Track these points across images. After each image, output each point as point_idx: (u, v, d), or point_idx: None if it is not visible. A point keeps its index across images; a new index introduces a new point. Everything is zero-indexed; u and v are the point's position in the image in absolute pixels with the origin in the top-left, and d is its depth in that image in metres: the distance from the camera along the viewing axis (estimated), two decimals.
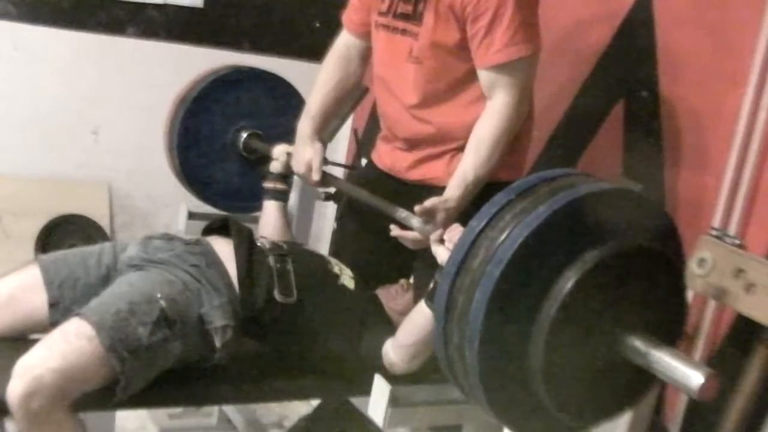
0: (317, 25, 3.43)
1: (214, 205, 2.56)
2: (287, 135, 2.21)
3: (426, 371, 1.84)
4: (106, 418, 1.93)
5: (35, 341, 1.56)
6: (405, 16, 1.92)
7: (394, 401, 1.53)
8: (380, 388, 1.54)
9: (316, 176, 2.08)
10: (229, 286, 1.76)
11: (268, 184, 2.21)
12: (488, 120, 1.85)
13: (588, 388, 1.22)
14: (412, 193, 1.92)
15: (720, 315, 1.91)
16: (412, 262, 2.07)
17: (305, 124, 2.13)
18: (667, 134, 2.14)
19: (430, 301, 1.63)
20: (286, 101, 2.47)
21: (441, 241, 1.64)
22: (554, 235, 1.15)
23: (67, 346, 1.51)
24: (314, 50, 2.76)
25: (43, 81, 3.08)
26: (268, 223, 2.17)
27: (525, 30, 1.81)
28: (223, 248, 1.83)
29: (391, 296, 1.96)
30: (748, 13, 1.91)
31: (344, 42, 2.14)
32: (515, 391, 1.21)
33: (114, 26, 3.11)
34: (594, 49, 2.33)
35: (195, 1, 3.21)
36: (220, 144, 2.45)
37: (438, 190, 1.86)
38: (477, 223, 1.21)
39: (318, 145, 2.10)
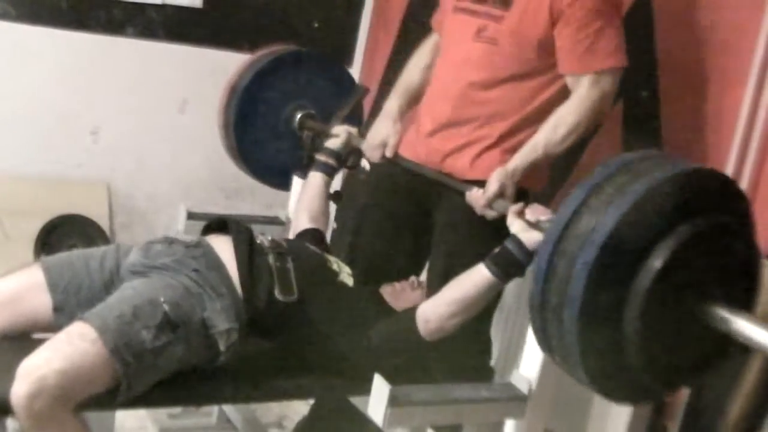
0: (316, 25, 3.43)
1: (267, 182, 2.68)
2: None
3: (426, 372, 1.84)
4: (106, 417, 1.93)
5: (39, 342, 1.57)
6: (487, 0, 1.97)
7: (393, 401, 1.53)
8: (380, 388, 1.54)
9: (389, 152, 2.14)
10: (231, 288, 1.75)
11: (321, 157, 2.26)
12: (574, 104, 1.90)
13: (674, 352, 1.31)
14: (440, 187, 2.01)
15: None
16: (428, 258, 2.14)
17: (393, 103, 2.22)
18: (667, 134, 2.14)
19: (494, 265, 1.67)
20: (341, 85, 2.56)
21: (520, 213, 1.70)
22: (651, 208, 1.24)
23: (71, 349, 1.52)
24: (314, 50, 2.76)
25: (43, 81, 3.07)
26: (309, 191, 2.22)
27: (623, 41, 1.89)
28: (224, 247, 1.83)
29: (397, 292, 1.95)
30: (748, 14, 1.91)
31: (434, 39, 2.23)
32: (607, 352, 1.29)
33: (113, 26, 3.11)
34: None
35: (194, 1, 3.20)
36: (275, 123, 2.53)
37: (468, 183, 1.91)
38: (581, 192, 1.29)
39: (399, 126, 2.17)
